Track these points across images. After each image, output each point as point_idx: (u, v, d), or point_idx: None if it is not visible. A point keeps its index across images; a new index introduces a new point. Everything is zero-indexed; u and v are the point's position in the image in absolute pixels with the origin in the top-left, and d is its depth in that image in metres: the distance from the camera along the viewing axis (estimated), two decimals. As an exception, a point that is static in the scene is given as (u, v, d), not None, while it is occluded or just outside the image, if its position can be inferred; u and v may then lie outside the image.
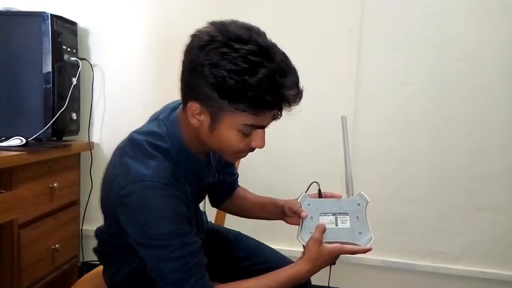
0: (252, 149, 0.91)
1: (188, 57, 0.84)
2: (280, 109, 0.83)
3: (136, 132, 0.96)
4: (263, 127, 0.87)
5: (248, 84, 0.78)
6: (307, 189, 1.07)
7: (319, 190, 1.06)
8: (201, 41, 0.81)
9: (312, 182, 1.07)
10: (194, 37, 0.84)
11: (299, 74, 0.85)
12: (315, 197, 1.05)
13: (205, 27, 0.84)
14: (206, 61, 0.79)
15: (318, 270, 0.96)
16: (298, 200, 1.03)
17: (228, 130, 0.85)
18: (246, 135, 0.86)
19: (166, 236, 0.85)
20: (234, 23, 0.83)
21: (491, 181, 1.79)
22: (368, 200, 1.02)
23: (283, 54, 0.84)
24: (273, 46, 0.83)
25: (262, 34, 0.83)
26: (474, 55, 1.75)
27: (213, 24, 0.84)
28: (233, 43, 0.79)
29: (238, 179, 1.27)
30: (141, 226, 0.86)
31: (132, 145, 0.92)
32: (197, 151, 0.96)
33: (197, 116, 0.86)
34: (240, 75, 0.78)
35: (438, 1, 1.77)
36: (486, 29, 1.73)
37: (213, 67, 0.79)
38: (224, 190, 1.23)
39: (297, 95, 0.83)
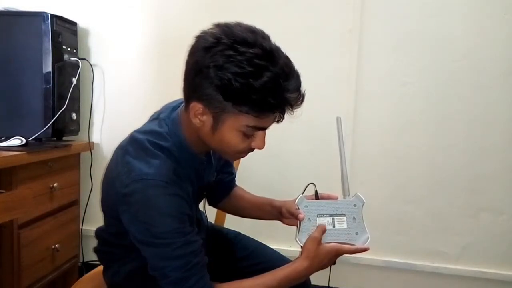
0: (252, 150, 0.91)
1: (193, 58, 0.84)
2: (283, 112, 0.84)
3: (137, 131, 0.96)
4: (264, 128, 0.88)
5: (253, 87, 0.78)
6: (304, 191, 1.07)
7: (316, 192, 1.06)
8: (207, 42, 0.81)
9: (309, 184, 1.07)
10: (199, 38, 0.84)
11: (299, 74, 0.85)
12: (312, 199, 1.05)
13: (210, 29, 0.84)
14: (211, 63, 0.80)
15: (317, 270, 0.96)
16: (296, 202, 1.03)
17: (230, 131, 0.85)
18: (247, 136, 0.87)
19: (168, 235, 0.86)
20: (239, 25, 0.84)
21: (491, 181, 1.79)
22: (364, 200, 1.02)
23: (287, 57, 0.85)
24: (277, 50, 0.83)
25: (266, 37, 0.84)
26: (474, 55, 1.75)
27: (218, 26, 0.84)
28: (239, 46, 0.79)
29: (237, 178, 1.27)
30: (144, 224, 0.87)
31: (134, 144, 0.92)
32: (198, 150, 0.96)
33: (199, 116, 0.86)
34: (245, 78, 0.78)
35: (438, 1, 1.77)
36: (486, 29, 1.73)
37: (219, 69, 0.79)
38: (222, 189, 1.23)
39: (299, 98, 0.84)
